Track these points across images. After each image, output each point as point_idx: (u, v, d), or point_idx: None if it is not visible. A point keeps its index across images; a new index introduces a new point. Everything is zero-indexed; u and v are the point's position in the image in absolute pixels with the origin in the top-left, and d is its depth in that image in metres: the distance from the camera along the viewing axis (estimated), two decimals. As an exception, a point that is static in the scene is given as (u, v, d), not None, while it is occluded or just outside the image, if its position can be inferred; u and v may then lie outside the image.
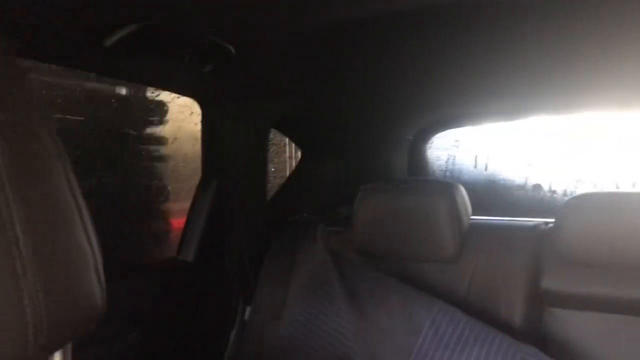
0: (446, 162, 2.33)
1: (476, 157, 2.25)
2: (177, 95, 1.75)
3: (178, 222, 1.85)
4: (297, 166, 2.06)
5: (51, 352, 0.46)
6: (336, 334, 1.22)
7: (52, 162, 0.44)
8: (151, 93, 1.82)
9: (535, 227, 1.39)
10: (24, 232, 0.39)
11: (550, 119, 2.03)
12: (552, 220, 1.33)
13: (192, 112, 1.74)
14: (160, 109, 1.86)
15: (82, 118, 1.60)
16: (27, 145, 0.41)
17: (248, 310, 1.51)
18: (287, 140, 2.85)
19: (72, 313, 0.43)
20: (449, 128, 2.05)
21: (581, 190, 2.01)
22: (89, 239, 0.46)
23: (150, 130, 1.86)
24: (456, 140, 2.27)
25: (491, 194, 2.23)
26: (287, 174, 2.54)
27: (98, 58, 1.07)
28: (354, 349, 1.18)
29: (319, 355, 1.22)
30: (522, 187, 2.20)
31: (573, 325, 1.25)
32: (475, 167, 2.23)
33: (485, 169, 2.23)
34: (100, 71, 1.23)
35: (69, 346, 0.49)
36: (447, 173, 2.33)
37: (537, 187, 2.17)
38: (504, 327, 1.20)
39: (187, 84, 1.35)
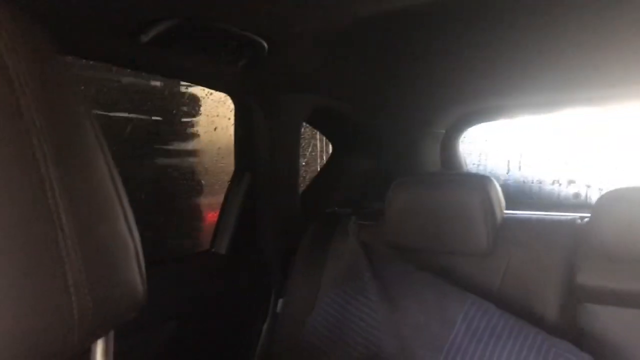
0: (479, 156, 2.31)
1: (508, 162, 2.23)
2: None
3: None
4: (328, 160, 2.06)
5: (95, 339, 0.48)
6: (368, 327, 1.22)
7: (95, 153, 0.45)
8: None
9: (570, 222, 1.37)
10: (69, 221, 0.40)
11: (587, 112, 1.99)
12: (588, 214, 1.30)
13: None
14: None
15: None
16: (71, 137, 0.43)
17: (280, 302, 1.53)
18: (318, 134, 2.86)
19: (114, 301, 0.45)
20: (482, 121, 2.03)
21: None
22: (129, 229, 0.47)
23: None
24: (487, 138, 2.25)
25: (525, 190, 2.20)
26: (318, 168, 2.55)
27: (134, 54, 1.09)
28: (386, 342, 1.18)
29: (351, 348, 1.22)
30: (556, 181, 2.17)
31: (608, 321, 1.23)
32: (508, 172, 2.20)
33: (519, 169, 2.20)
34: (136, 67, 1.26)
35: (112, 333, 0.51)
36: (480, 167, 2.31)
37: (572, 182, 2.14)
38: (538, 322, 1.19)
39: (220, 79, 1.37)
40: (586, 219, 1.34)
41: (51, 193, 0.39)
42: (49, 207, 0.39)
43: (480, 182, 1.34)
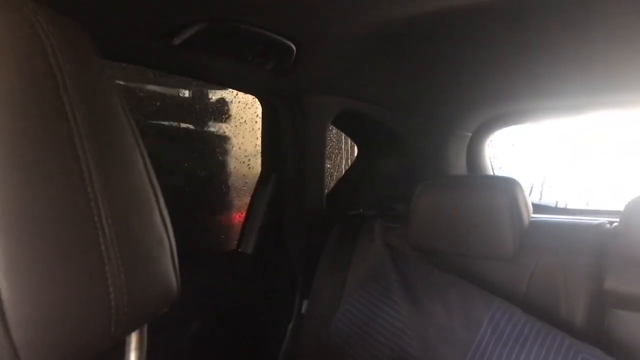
0: (505, 161, 2.29)
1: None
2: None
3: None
4: (354, 162, 2.07)
5: (130, 332, 0.50)
6: (393, 328, 1.22)
7: (132, 151, 0.47)
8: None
9: (598, 226, 1.35)
10: (108, 218, 0.41)
11: (614, 115, 1.96)
12: (616, 219, 1.29)
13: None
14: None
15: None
16: (110, 135, 0.44)
17: (305, 303, 1.54)
18: (343, 137, 2.86)
19: (150, 295, 0.46)
20: (509, 125, 2.01)
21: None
22: (165, 225, 0.49)
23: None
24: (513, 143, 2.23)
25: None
26: (344, 170, 2.56)
27: (166, 56, 1.11)
28: (411, 343, 1.18)
29: (375, 349, 1.22)
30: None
31: (637, 327, 1.21)
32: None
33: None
34: (167, 69, 1.28)
35: (145, 327, 0.52)
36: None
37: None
38: (565, 327, 1.18)
39: (249, 82, 1.39)
40: (615, 224, 1.32)
41: (92, 190, 0.41)
42: (89, 203, 0.40)
43: (507, 185, 1.33)
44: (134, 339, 0.51)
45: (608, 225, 1.35)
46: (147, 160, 0.48)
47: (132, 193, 0.45)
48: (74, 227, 0.39)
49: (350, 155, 2.87)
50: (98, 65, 0.45)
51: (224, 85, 1.66)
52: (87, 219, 0.40)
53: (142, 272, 0.45)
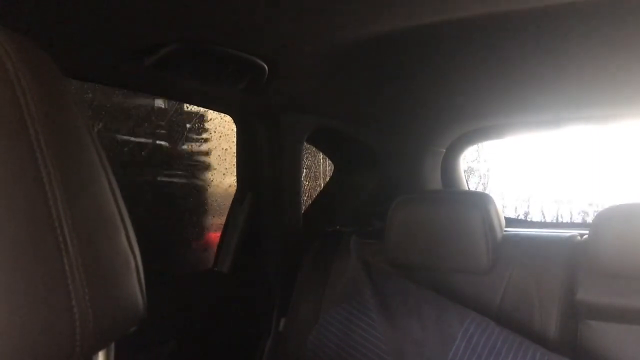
0: (480, 176, 2.31)
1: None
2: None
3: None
4: (330, 179, 2.07)
5: (96, 351, 0.49)
6: (369, 344, 1.22)
7: (96, 169, 0.47)
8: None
9: (569, 239, 1.37)
10: (72, 236, 0.41)
11: (587, 130, 1.99)
12: (587, 231, 1.31)
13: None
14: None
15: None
16: (73, 153, 0.44)
17: (282, 321, 1.53)
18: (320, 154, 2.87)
19: (115, 314, 0.46)
20: (483, 140, 2.03)
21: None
22: (130, 245, 0.48)
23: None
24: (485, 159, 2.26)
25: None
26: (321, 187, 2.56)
27: (138, 76, 1.11)
28: (387, 359, 1.18)
29: None
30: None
31: (609, 337, 1.23)
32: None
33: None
34: (139, 89, 1.28)
35: (112, 347, 0.52)
36: (481, 186, 2.31)
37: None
38: (539, 339, 1.19)
39: (222, 101, 1.39)
40: (585, 236, 1.34)
41: (55, 210, 0.40)
42: (52, 223, 0.40)
43: (480, 200, 1.35)
44: (100, 358, 0.50)
45: (579, 238, 1.37)
46: (113, 180, 0.48)
47: (97, 212, 0.45)
48: (36, 246, 0.39)
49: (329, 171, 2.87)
50: (61, 85, 0.46)
51: (197, 105, 1.66)
52: (50, 239, 0.40)
53: (107, 291, 0.44)
